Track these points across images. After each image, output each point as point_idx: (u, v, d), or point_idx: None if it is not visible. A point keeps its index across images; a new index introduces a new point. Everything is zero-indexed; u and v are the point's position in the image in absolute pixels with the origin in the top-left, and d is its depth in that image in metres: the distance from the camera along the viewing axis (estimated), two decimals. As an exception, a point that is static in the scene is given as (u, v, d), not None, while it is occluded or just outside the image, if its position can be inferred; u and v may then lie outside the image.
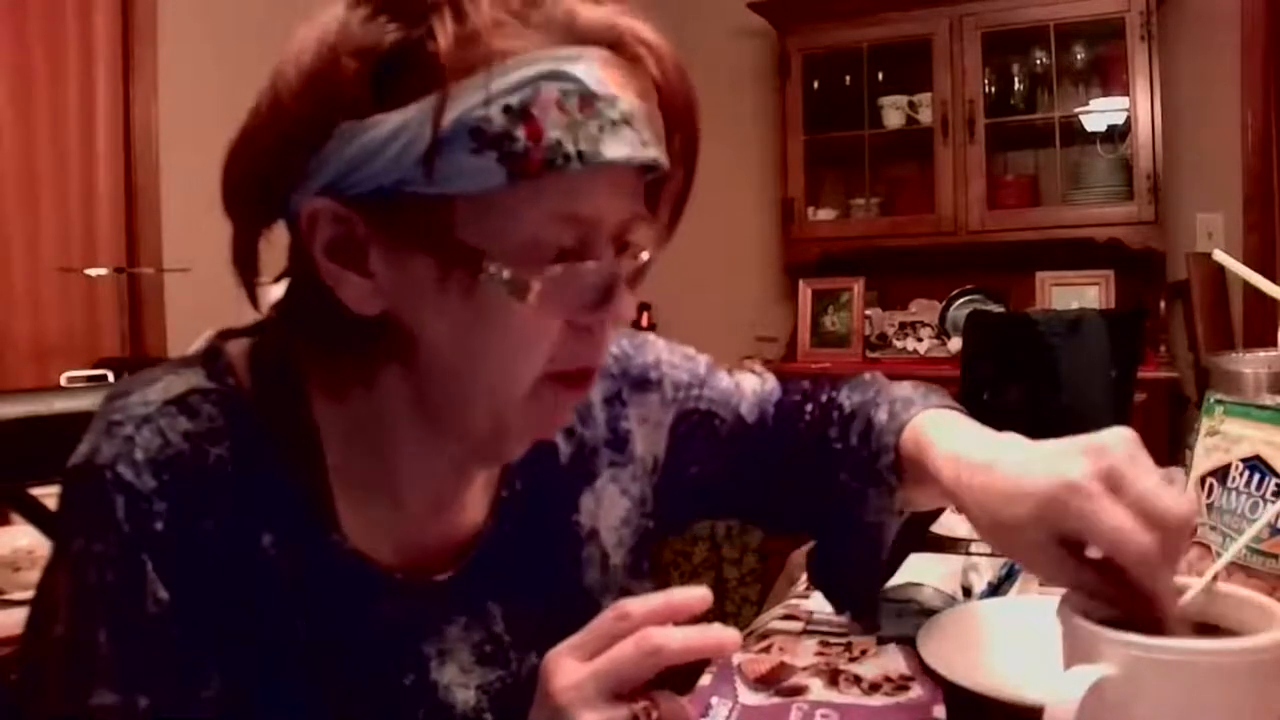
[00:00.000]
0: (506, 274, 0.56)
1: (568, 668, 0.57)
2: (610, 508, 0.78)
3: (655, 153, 0.59)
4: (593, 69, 0.56)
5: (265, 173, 0.60)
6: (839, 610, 0.89)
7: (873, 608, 0.87)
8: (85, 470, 0.60)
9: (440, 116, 0.54)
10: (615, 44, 0.58)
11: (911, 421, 0.77)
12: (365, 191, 0.57)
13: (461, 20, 0.55)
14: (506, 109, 0.54)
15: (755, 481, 0.87)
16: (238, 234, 0.63)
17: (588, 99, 0.56)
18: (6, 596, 1.41)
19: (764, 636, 0.92)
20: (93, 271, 2.56)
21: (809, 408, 0.87)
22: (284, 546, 0.63)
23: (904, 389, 0.83)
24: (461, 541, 0.72)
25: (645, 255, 0.64)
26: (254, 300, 0.65)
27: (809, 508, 0.85)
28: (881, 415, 0.80)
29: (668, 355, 0.86)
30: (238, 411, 0.63)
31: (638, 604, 0.58)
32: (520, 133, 0.54)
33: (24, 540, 1.43)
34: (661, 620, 0.57)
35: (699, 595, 0.58)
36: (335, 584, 0.65)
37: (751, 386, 0.89)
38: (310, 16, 0.60)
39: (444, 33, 0.55)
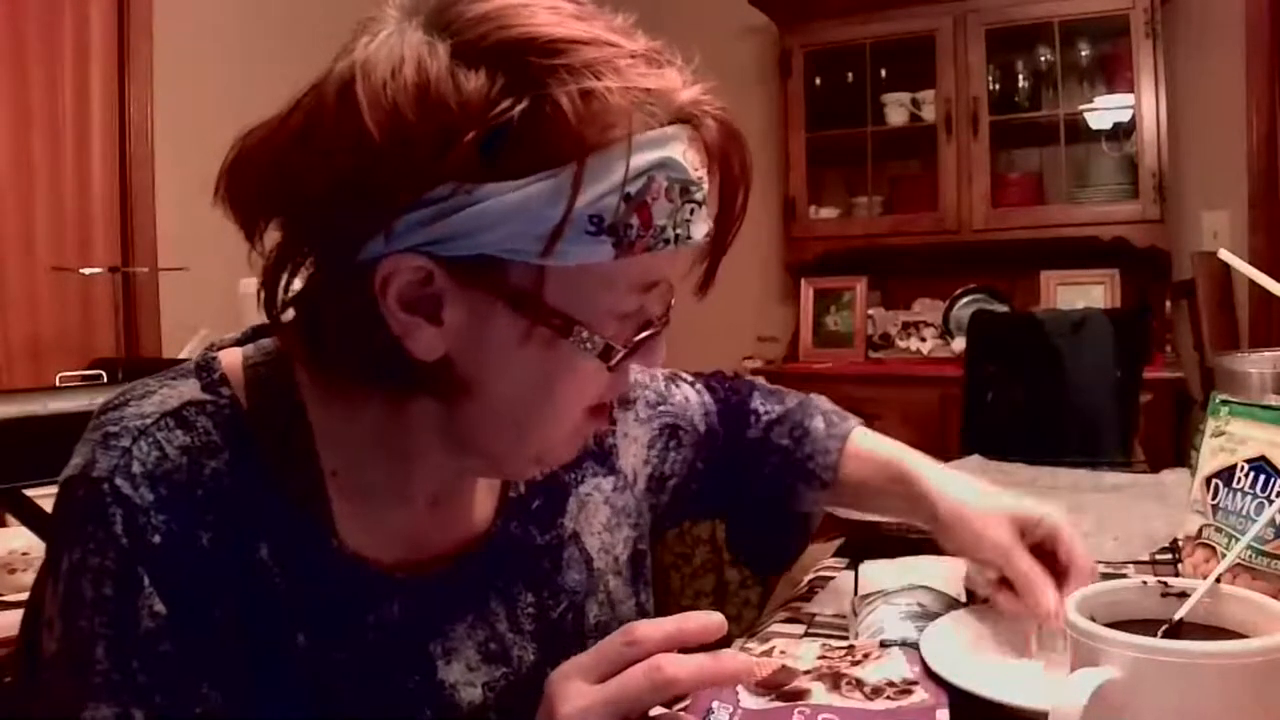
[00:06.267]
0: (598, 341, 0.60)
1: (576, 692, 0.57)
2: (593, 513, 0.81)
3: (712, 221, 0.63)
4: (685, 151, 0.59)
5: (334, 211, 0.57)
6: (755, 571, 1.01)
7: (782, 571, 1.08)
8: (82, 483, 0.60)
9: (569, 200, 0.55)
10: (693, 119, 0.60)
11: (857, 437, 0.97)
12: (463, 255, 0.57)
13: (586, 100, 0.55)
14: (625, 196, 0.56)
15: (711, 483, 0.96)
16: (276, 254, 0.61)
17: (685, 186, 0.59)
18: (3, 598, 1.41)
19: (765, 639, 0.92)
20: (88, 270, 2.57)
21: (733, 401, 1.00)
22: (282, 556, 0.63)
23: (824, 401, 1.01)
24: (466, 540, 0.72)
25: (673, 301, 0.67)
26: (277, 321, 0.64)
27: (734, 498, 1.00)
28: (818, 424, 0.98)
29: (639, 376, 0.91)
30: (232, 423, 0.63)
31: (648, 628, 0.58)
32: (634, 219, 0.57)
33: (19, 542, 1.43)
34: (672, 646, 0.57)
35: (714, 623, 0.58)
36: (336, 589, 0.65)
37: (695, 398, 0.97)
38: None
39: (570, 111, 0.55)
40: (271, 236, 0.62)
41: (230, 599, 0.61)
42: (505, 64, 0.55)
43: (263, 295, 0.62)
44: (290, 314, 0.64)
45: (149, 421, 0.61)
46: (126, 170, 2.83)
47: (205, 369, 0.66)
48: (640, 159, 0.56)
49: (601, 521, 0.81)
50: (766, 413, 0.99)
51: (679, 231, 0.59)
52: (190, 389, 0.64)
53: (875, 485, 0.95)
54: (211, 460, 0.62)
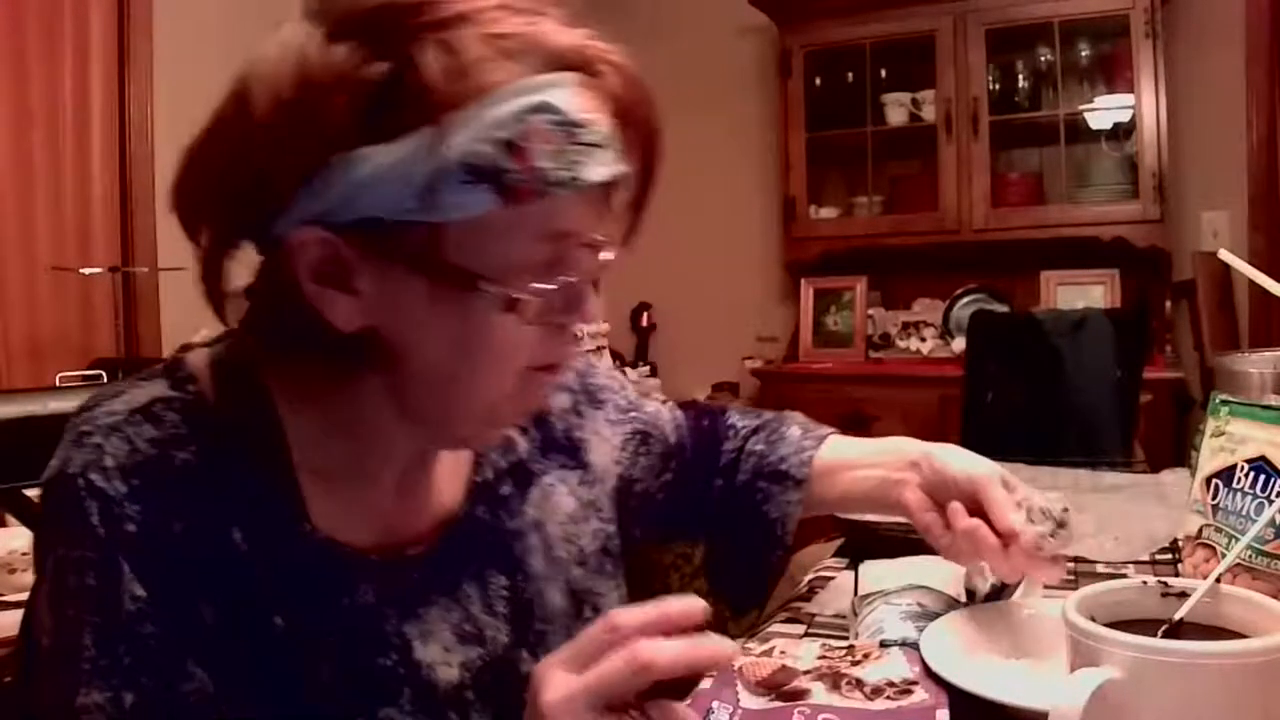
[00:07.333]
0: (500, 293, 0.60)
1: (558, 680, 0.58)
2: (558, 505, 0.83)
3: (622, 166, 0.63)
4: (569, 95, 0.59)
5: (241, 200, 0.61)
6: (729, 605, 1.01)
7: (761, 599, 1.05)
8: (59, 481, 0.62)
9: (438, 151, 0.57)
10: (584, 66, 0.61)
11: (832, 439, 1.00)
12: (356, 220, 0.59)
13: (450, 54, 0.57)
14: (499, 142, 0.57)
15: (683, 497, 0.98)
16: (206, 254, 0.65)
17: (569, 127, 0.59)
18: (3, 599, 1.41)
19: (765, 639, 0.92)
20: (88, 270, 2.56)
21: (705, 422, 1.02)
22: (255, 541, 0.65)
23: (800, 415, 1.04)
24: (437, 524, 0.74)
25: (610, 255, 0.67)
26: (222, 315, 0.67)
27: (710, 515, 1.01)
28: (794, 430, 1.01)
29: (610, 381, 0.94)
30: (200, 417, 0.65)
31: (628, 615, 0.59)
32: (512, 164, 0.57)
33: (19, 542, 1.43)
34: (653, 632, 0.57)
35: (695, 607, 0.59)
36: (309, 572, 0.67)
37: (666, 412, 0.99)
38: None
39: (433, 67, 0.57)
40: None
41: (208, 583, 0.63)
42: (368, 31, 0.58)
43: (205, 290, 0.66)
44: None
45: (119, 418, 0.64)
46: (126, 170, 2.83)
47: (173, 368, 0.69)
48: (511, 105, 0.57)
49: (566, 512, 0.83)
50: (744, 426, 1.03)
51: (567, 174, 0.59)
52: (159, 387, 0.66)
53: (847, 461, 0.97)
54: (181, 451, 0.64)
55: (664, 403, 1.01)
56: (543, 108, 0.58)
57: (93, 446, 0.62)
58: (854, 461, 0.97)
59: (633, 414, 0.94)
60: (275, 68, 0.59)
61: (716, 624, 0.59)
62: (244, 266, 0.66)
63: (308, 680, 0.65)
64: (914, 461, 0.92)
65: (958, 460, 0.90)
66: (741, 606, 1.02)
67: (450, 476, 0.77)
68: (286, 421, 0.68)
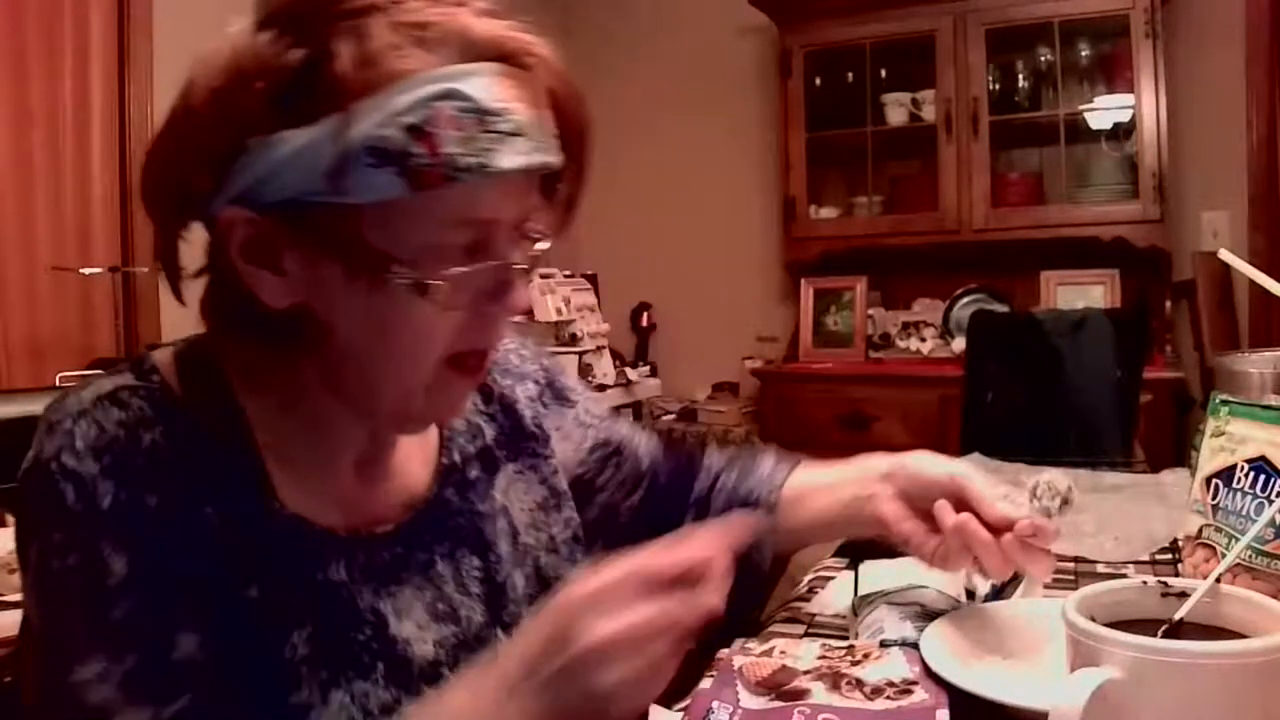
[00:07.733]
0: (411, 276, 0.62)
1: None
2: (524, 491, 0.85)
3: (545, 156, 0.64)
4: (485, 84, 0.61)
5: (182, 181, 0.65)
6: (708, 633, 0.99)
7: (739, 627, 1.01)
8: (33, 470, 0.64)
9: (344, 135, 0.59)
10: (507, 57, 0.63)
11: (804, 466, 1.02)
12: (275, 201, 0.62)
13: (362, 43, 0.60)
14: (405, 127, 0.59)
15: (648, 522, 0.96)
16: (158, 233, 0.68)
17: (481, 114, 0.60)
18: (3, 599, 1.40)
19: (765, 639, 0.92)
20: (88, 270, 2.56)
21: (681, 457, 1.03)
22: (226, 517, 0.66)
23: (771, 449, 1.06)
24: (406, 506, 0.77)
25: (543, 245, 0.70)
26: (178, 295, 0.69)
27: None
28: (766, 462, 1.03)
29: (580, 385, 0.97)
30: (164, 403, 0.67)
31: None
32: (419, 149, 0.59)
33: (20, 542, 1.42)
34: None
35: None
36: (281, 547, 0.68)
37: (641, 436, 1.01)
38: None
39: (345, 55, 0.59)
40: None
41: (182, 557, 0.64)
42: (289, 20, 0.61)
43: (161, 268, 0.68)
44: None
45: (85, 404, 0.65)
46: (126, 170, 2.82)
47: (138, 362, 0.70)
48: (419, 91, 0.59)
49: (535, 500, 0.85)
50: (718, 461, 1.05)
51: (477, 160, 0.60)
52: (124, 378, 0.68)
53: (816, 485, 0.99)
54: (148, 432, 0.65)
55: (640, 427, 1.03)
56: (450, 94, 0.59)
57: (63, 433, 0.64)
58: (822, 485, 0.98)
59: (605, 424, 0.97)
60: (212, 59, 0.62)
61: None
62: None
63: (282, 653, 0.66)
64: (886, 474, 0.92)
65: (933, 463, 0.90)
66: (723, 633, 1.04)
67: (417, 460, 0.79)
68: (247, 407, 0.70)
